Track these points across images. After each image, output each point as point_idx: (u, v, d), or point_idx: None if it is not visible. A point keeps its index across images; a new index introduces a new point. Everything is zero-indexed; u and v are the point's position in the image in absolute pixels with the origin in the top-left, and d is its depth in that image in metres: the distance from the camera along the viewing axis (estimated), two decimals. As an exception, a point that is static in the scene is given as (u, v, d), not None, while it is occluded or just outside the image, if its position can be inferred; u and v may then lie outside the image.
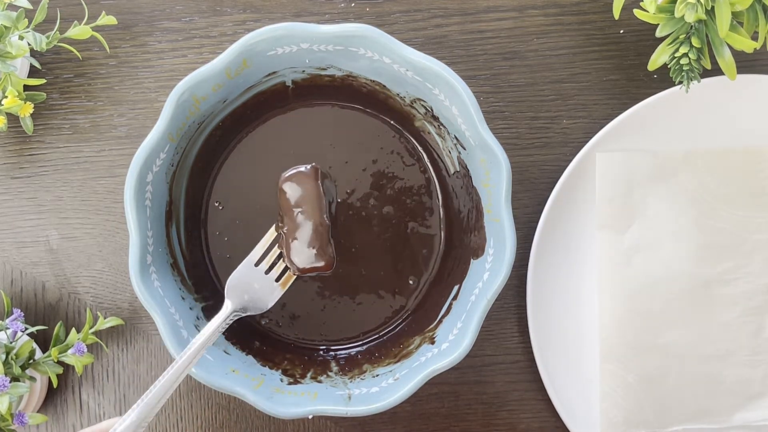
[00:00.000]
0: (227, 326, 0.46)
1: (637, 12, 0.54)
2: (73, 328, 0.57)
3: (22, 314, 0.57)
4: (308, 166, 0.45)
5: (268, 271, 0.46)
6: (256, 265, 0.46)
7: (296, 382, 0.56)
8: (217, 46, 0.61)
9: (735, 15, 0.51)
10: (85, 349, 0.56)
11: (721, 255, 0.59)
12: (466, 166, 0.57)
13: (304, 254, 0.45)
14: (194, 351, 0.47)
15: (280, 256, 0.46)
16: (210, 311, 0.57)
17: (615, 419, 0.59)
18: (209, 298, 0.58)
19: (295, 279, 0.49)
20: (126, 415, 0.44)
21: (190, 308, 0.56)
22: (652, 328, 0.59)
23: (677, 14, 0.51)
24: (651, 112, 0.59)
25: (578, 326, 0.60)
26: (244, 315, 0.46)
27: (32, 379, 0.56)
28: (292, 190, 0.45)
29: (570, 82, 0.62)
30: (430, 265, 0.60)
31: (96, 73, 0.61)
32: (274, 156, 0.59)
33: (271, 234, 0.46)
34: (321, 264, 0.46)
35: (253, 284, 0.46)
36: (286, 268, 0.47)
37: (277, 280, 0.46)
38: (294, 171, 0.45)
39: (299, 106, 0.60)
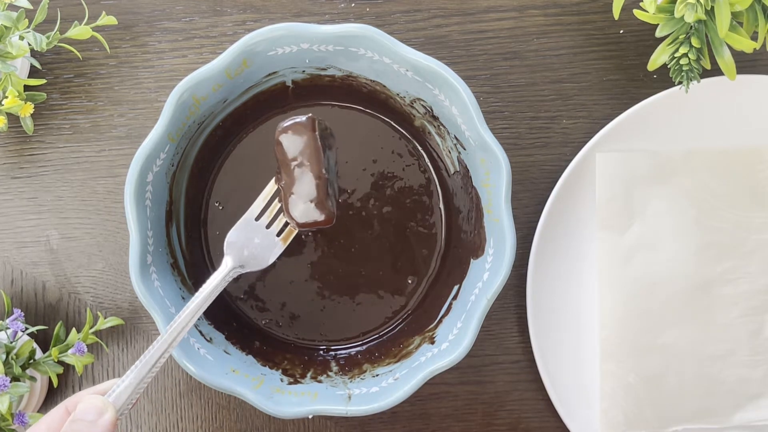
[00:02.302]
0: (226, 284, 0.45)
1: (636, 12, 0.54)
2: (74, 328, 0.57)
3: (23, 314, 0.57)
4: (305, 117, 0.43)
5: (268, 226, 0.45)
6: (257, 220, 0.44)
7: (296, 382, 0.56)
8: (217, 47, 0.61)
9: (735, 15, 0.52)
10: (86, 349, 0.56)
11: (721, 255, 0.59)
12: (466, 166, 0.57)
13: (303, 208, 0.43)
14: (194, 308, 0.45)
15: (280, 210, 0.44)
16: (210, 311, 0.58)
17: (615, 419, 0.59)
18: (209, 298, 0.59)
19: (296, 234, 0.46)
20: (125, 375, 0.44)
21: (190, 308, 0.56)
22: (652, 328, 0.59)
23: (677, 14, 0.51)
24: (651, 112, 0.59)
25: (578, 326, 0.60)
26: (243, 272, 0.44)
27: (32, 378, 0.56)
28: (288, 142, 0.43)
29: (570, 82, 0.62)
30: (430, 265, 0.60)
31: (96, 74, 0.61)
32: (275, 156, 0.59)
33: (271, 187, 0.44)
34: (321, 218, 0.44)
35: (253, 239, 0.44)
36: (287, 223, 0.45)
37: (278, 235, 0.45)
38: (290, 122, 0.42)
39: (299, 106, 0.60)
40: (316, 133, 0.43)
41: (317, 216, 0.44)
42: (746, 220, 0.60)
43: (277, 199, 0.44)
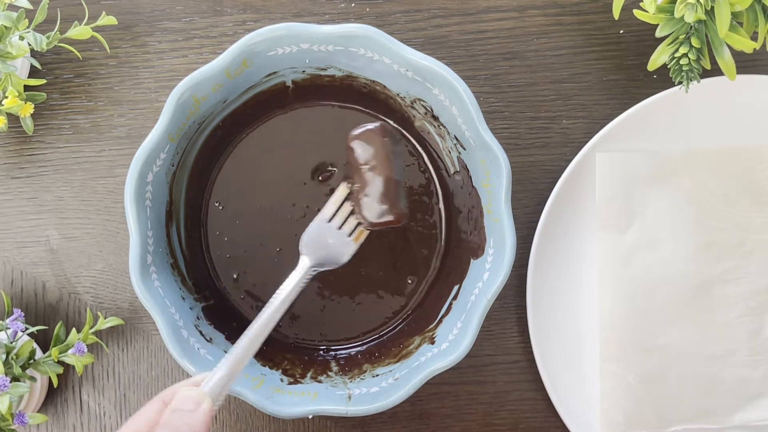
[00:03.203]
0: (305, 283, 0.46)
1: (636, 12, 0.54)
2: (74, 328, 0.57)
3: (23, 314, 0.57)
4: (376, 124, 0.46)
5: (340, 227, 0.47)
6: (329, 221, 0.47)
7: (296, 382, 0.56)
8: (217, 47, 0.61)
9: (735, 15, 0.52)
10: (86, 349, 0.56)
11: (721, 255, 0.59)
12: (466, 166, 0.57)
13: (374, 209, 0.46)
14: (278, 305, 0.46)
15: (351, 212, 0.47)
16: (210, 311, 0.58)
17: (615, 419, 0.59)
18: (209, 298, 0.58)
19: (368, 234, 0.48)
20: (216, 369, 0.44)
21: (191, 308, 0.56)
22: (652, 328, 0.59)
23: (677, 14, 0.51)
24: (651, 112, 0.59)
25: (578, 326, 0.60)
26: (321, 270, 0.46)
27: (32, 378, 0.56)
28: (360, 148, 0.45)
29: (570, 82, 0.62)
30: (430, 265, 0.60)
31: (96, 74, 0.61)
32: (274, 156, 0.59)
33: (342, 191, 0.46)
34: (392, 218, 0.46)
35: (327, 239, 0.46)
36: (358, 224, 0.47)
37: (350, 235, 0.47)
38: (362, 129, 0.45)
39: (299, 106, 0.60)
40: (386, 138, 0.46)
41: (389, 216, 0.46)
42: (746, 220, 0.60)
43: (348, 201, 0.46)
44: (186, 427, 0.41)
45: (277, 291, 0.46)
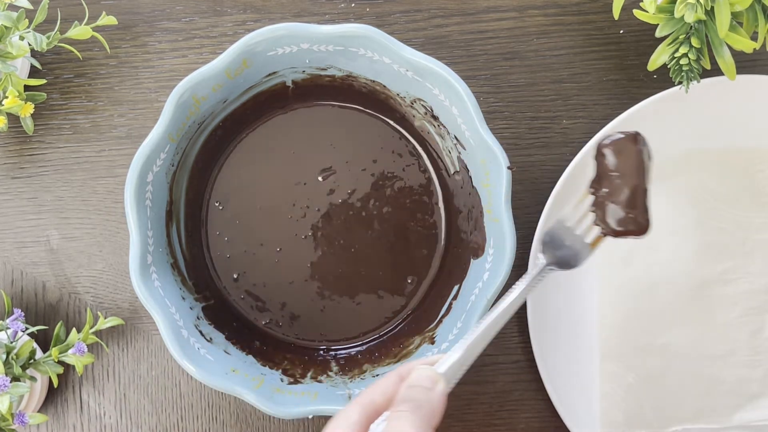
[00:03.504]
0: (540, 281, 0.46)
1: (636, 12, 0.54)
2: (74, 328, 0.57)
3: (23, 314, 0.57)
4: (629, 132, 0.45)
5: (579, 231, 0.47)
6: (567, 224, 0.47)
7: (296, 382, 0.56)
8: (218, 47, 0.61)
9: (734, 15, 0.52)
10: (86, 349, 0.56)
11: (721, 255, 0.59)
12: (466, 166, 0.57)
13: (621, 217, 0.45)
14: (515, 298, 0.45)
15: (589, 217, 0.47)
16: (210, 311, 0.58)
17: (615, 419, 0.59)
18: (209, 298, 0.59)
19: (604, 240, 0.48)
20: (452, 352, 0.44)
21: (191, 308, 0.56)
22: (652, 328, 0.59)
23: (677, 14, 0.51)
24: (651, 112, 0.59)
25: (578, 326, 0.60)
26: (554, 271, 0.46)
27: (33, 378, 0.56)
28: (611, 155, 0.45)
29: (570, 82, 0.62)
30: (430, 265, 0.60)
31: (96, 74, 0.62)
32: (274, 156, 0.59)
33: (582, 195, 0.46)
34: (637, 228, 0.45)
35: (564, 242, 0.46)
36: (597, 229, 0.47)
37: (586, 240, 0.47)
38: (615, 136, 0.45)
39: (299, 106, 0.60)
40: (639, 147, 0.45)
41: (635, 225, 0.45)
42: (746, 220, 0.60)
43: (587, 207, 0.46)
44: (427, 404, 0.42)
45: (514, 285, 0.46)
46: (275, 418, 0.61)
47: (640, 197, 0.45)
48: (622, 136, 0.46)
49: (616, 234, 0.46)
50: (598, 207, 0.46)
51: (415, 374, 0.43)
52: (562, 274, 0.59)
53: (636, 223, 0.45)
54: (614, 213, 0.45)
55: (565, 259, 0.46)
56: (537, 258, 0.46)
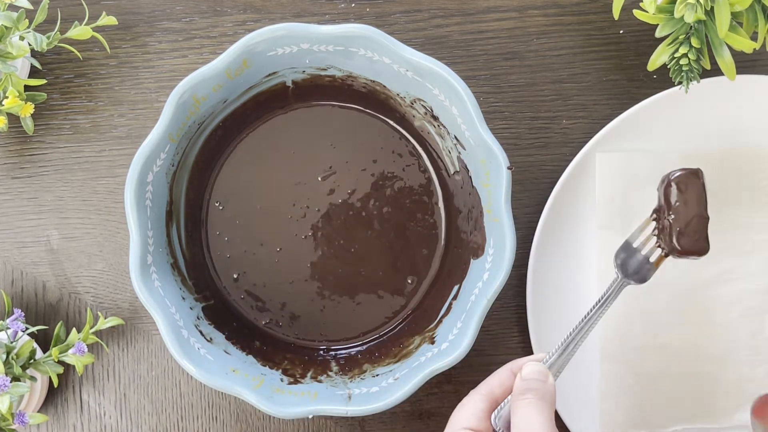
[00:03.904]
0: (618, 293, 0.54)
1: (636, 12, 0.54)
2: (74, 328, 0.57)
3: (23, 314, 0.57)
4: (693, 168, 0.54)
5: (643, 251, 0.55)
6: (634, 245, 0.55)
7: (296, 381, 0.56)
8: (218, 47, 0.61)
9: (734, 15, 0.52)
10: (86, 349, 0.56)
11: (721, 255, 0.59)
12: (466, 166, 0.57)
13: (686, 240, 0.53)
14: (598, 307, 0.53)
15: (652, 240, 0.55)
16: (210, 311, 0.58)
17: (615, 419, 0.59)
18: (210, 298, 0.59)
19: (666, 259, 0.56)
20: (555, 351, 0.52)
21: (191, 308, 0.56)
22: (652, 328, 0.59)
23: (677, 14, 0.51)
24: (651, 112, 0.59)
25: (578, 326, 0.60)
26: (627, 284, 0.54)
27: (33, 378, 0.56)
28: (680, 185, 0.54)
29: (570, 82, 0.62)
30: (430, 265, 0.60)
31: (96, 74, 0.62)
32: (275, 156, 0.59)
33: (645, 222, 0.55)
34: (699, 249, 0.54)
35: (631, 259, 0.55)
36: (661, 250, 0.55)
37: (649, 260, 0.55)
38: (682, 172, 0.54)
39: (299, 106, 0.60)
40: (702, 181, 0.54)
41: (697, 248, 0.54)
42: (746, 220, 0.60)
43: (650, 231, 0.55)
44: (548, 394, 0.49)
45: (597, 301, 0.53)
46: (275, 418, 0.61)
47: (702, 224, 0.54)
48: (687, 171, 0.54)
49: (680, 254, 0.54)
50: (662, 231, 0.55)
51: (527, 369, 0.50)
52: (562, 274, 0.60)
53: (698, 246, 0.54)
54: (680, 235, 0.54)
55: (633, 275, 0.54)
56: (616, 274, 0.55)
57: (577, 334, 0.52)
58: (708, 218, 0.55)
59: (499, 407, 0.50)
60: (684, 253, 0.54)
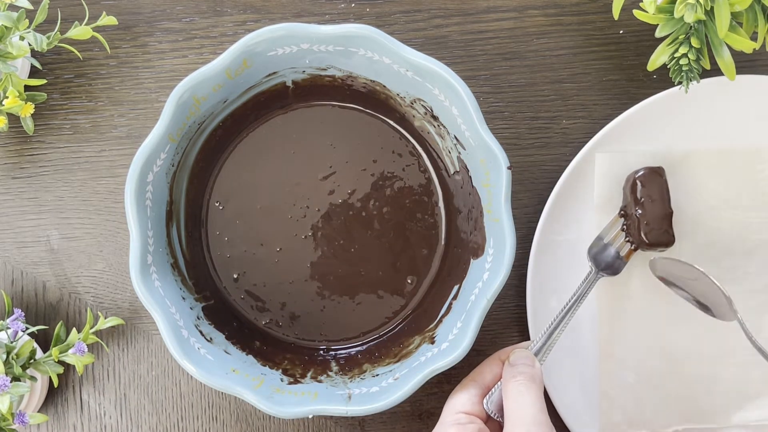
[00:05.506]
0: (592, 286, 0.57)
1: (636, 12, 0.54)
2: (74, 328, 0.57)
3: (23, 314, 0.57)
4: (654, 166, 0.58)
5: (612, 245, 0.58)
6: (603, 240, 0.58)
7: (296, 381, 0.56)
8: (218, 47, 0.61)
9: (734, 15, 0.52)
10: (86, 349, 0.56)
11: (721, 255, 0.59)
12: (466, 166, 0.57)
13: (653, 233, 0.57)
14: (574, 300, 0.56)
15: (621, 236, 0.58)
16: (210, 311, 0.58)
17: (615, 419, 0.59)
18: (210, 298, 0.59)
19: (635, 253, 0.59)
20: (536, 341, 0.54)
21: (191, 308, 0.56)
22: (652, 328, 0.59)
23: (677, 14, 0.51)
24: (651, 112, 0.59)
25: (578, 326, 0.60)
26: (602, 277, 0.57)
27: (33, 378, 0.56)
28: (643, 183, 0.57)
29: (570, 82, 0.62)
30: (430, 265, 0.60)
31: (96, 74, 0.62)
32: (275, 156, 0.59)
33: (614, 219, 0.58)
34: (666, 241, 0.57)
35: (603, 254, 0.58)
36: (630, 244, 0.58)
37: (619, 255, 0.58)
38: (647, 169, 0.57)
39: (299, 106, 0.60)
40: (665, 178, 0.57)
41: (664, 239, 0.57)
42: (746, 220, 0.60)
43: (619, 227, 0.58)
44: (536, 376, 0.51)
45: (574, 291, 0.56)
46: (275, 418, 0.61)
47: (667, 218, 0.57)
48: (650, 169, 0.57)
49: (647, 247, 0.57)
50: (630, 226, 0.58)
51: (515, 355, 0.53)
52: (561, 275, 0.60)
53: (664, 239, 0.57)
54: (647, 229, 0.57)
55: (607, 268, 0.57)
56: (590, 268, 0.57)
57: (558, 323, 0.55)
58: (672, 212, 0.57)
59: (490, 392, 0.53)
60: (651, 245, 0.57)
